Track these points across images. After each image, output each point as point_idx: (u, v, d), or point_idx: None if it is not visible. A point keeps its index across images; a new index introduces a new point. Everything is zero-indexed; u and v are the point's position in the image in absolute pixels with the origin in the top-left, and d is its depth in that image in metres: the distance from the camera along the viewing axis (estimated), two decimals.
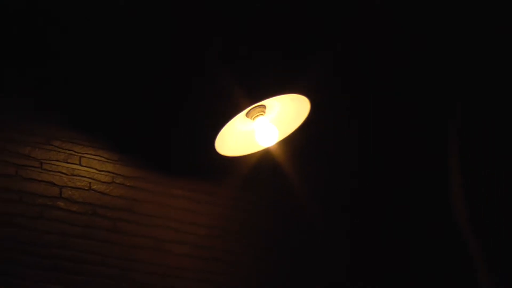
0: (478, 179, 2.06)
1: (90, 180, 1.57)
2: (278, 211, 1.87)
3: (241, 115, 1.54)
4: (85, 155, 1.58)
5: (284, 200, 1.91)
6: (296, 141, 1.76)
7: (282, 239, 1.81)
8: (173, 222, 1.64)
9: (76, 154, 1.58)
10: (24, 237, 1.53)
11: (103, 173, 1.59)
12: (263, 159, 1.72)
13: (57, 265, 1.61)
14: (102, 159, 1.60)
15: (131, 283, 1.55)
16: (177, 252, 1.61)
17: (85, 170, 1.58)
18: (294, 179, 1.85)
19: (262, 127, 1.56)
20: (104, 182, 1.59)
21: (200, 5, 1.63)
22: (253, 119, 1.54)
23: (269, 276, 1.74)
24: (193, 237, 1.64)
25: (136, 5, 1.59)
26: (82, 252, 1.55)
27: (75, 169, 1.57)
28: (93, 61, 1.73)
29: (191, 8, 1.65)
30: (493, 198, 2.05)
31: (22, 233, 1.59)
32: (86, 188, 1.57)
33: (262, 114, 1.52)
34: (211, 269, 1.62)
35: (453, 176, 2.08)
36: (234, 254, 1.70)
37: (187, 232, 1.63)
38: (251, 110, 1.54)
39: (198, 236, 1.65)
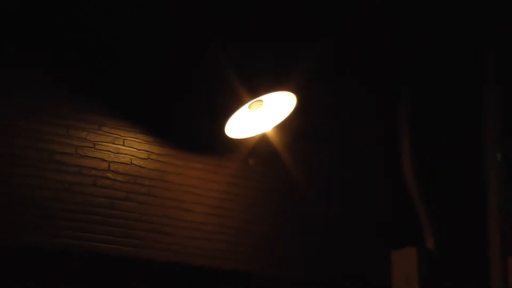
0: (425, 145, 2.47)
1: (131, 157, 2.03)
2: (279, 180, 2.32)
3: (244, 107, 1.96)
4: (128, 138, 2.02)
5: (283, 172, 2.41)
6: (288, 125, 2.23)
7: (284, 202, 2.26)
8: (194, 188, 2.10)
9: (120, 137, 2.01)
10: (81, 200, 1.98)
11: (141, 151, 2.04)
12: (261, 140, 2.12)
13: (106, 221, 2.08)
14: (141, 141, 2.04)
15: (162, 233, 2.03)
16: (197, 210, 2.08)
17: (127, 149, 2.03)
18: (289, 159, 2.32)
19: (260, 116, 1.99)
20: (142, 158, 2.04)
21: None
22: (254, 109, 1.96)
23: (271, 230, 2.18)
24: (210, 200, 2.11)
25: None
26: (124, 211, 2.03)
27: (120, 148, 2.01)
28: (134, 58, 2.20)
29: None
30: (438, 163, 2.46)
31: (79, 197, 2.06)
32: (128, 163, 2.03)
33: (260, 106, 1.94)
34: (224, 223, 2.10)
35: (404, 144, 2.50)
36: (244, 212, 2.17)
37: (205, 196, 2.10)
38: (252, 103, 1.95)
39: (214, 199, 2.11)
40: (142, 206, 2.01)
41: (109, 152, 1.99)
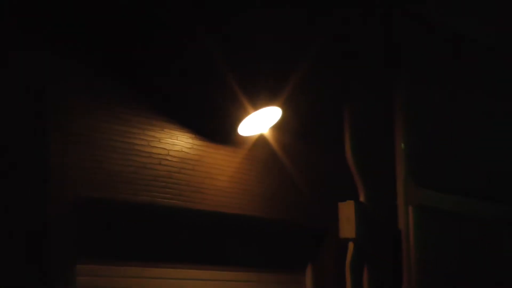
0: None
1: (181, 147, 3.04)
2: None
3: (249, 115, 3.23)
4: (179, 135, 3.05)
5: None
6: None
7: (279, 170, 3.49)
8: (220, 166, 3.20)
9: (175, 134, 3.02)
10: (152, 173, 2.94)
11: (187, 143, 3.07)
12: (260, 137, 3.37)
13: (167, 186, 3.06)
14: (187, 137, 3.08)
15: (200, 193, 3.09)
16: (222, 179, 3.19)
17: (179, 142, 3.04)
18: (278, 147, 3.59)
19: (259, 121, 3.23)
20: (187, 147, 3.04)
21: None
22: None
23: (272, 189, 3.42)
24: (230, 172, 3.23)
25: None
26: (178, 179, 2.98)
27: (174, 142, 3.00)
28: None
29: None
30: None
31: (151, 172, 2.95)
32: (179, 150, 3.04)
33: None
34: (241, 186, 3.27)
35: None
36: (253, 178, 3.32)
37: (227, 170, 3.21)
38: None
39: (233, 172, 3.24)
40: (188, 177, 3.10)
41: (168, 144, 3.03)
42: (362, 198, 3.63)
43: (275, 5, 3.46)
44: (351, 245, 3.58)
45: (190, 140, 3.16)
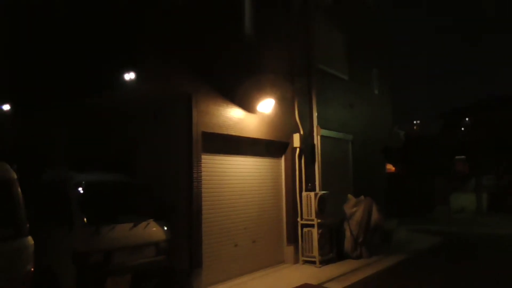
0: None
1: (240, 114, 8.13)
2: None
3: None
4: (235, 108, 8.07)
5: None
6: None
7: (282, 120, 9.04)
8: (254, 124, 8.19)
9: (235, 108, 8.23)
10: (230, 124, 8.42)
11: (238, 112, 8.02)
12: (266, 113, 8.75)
13: (233, 127, 8.53)
14: (237, 109, 8.02)
15: (244, 134, 8.68)
16: (251, 128, 8.36)
17: (236, 111, 7.98)
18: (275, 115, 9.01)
19: (267, 105, 8.56)
20: (240, 118, 8.04)
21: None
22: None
23: (280, 131, 8.95)
24: (259, 127, 8.27)
25: None
26: (236, 126, 8.55)
27: (234, 110, 8.28)
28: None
29: None
30: None
31: (229, 122, 8.43)
32: (237, 116, 8.19)
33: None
34: (266, 130, 8.69)
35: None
36: (271, 127, 8.53)
37: (258, 125, 8.26)
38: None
39: (260, 126, 8.27)
40: (238, 125, 8.31)
41: (233, 112, 8.12)
42: (301, 132, 9.27)
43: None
44: (298, 149, 9.23)
45: (241, 111, 8.38)
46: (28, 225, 4.26)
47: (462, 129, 26.10)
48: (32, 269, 4.19)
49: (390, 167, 18.49)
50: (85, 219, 5.55)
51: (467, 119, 26.05)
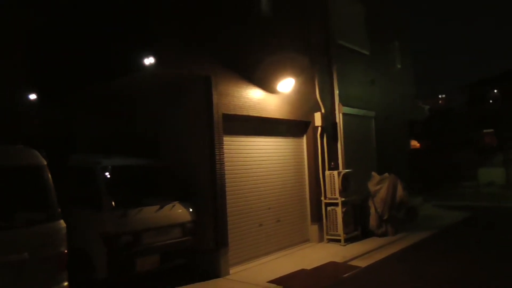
0: None
1: (261, 95, 8.07)
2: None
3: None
4: (255, 89, 8.06)
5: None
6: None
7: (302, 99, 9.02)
8: (271, 101, 8.17)
9: (254, 88, 8.32)
10: (249, 103, 8.45)
11: (258, 92, 7.98)
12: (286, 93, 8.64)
13: (254, 107, 8.53)
14: (257, 89, 7.99)
15: (266, 113, 8.62)
16: (272, 107, 8.43)
17: (256, 91, 7.96)
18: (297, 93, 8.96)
19: (287, 84, 8.46)
20: (260, 98, 8.07)
21: None
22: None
23: (301, 110, 8.92)
24: (282, 105, 8.25)
25: None
26: (258, 105, 8.61)
27: (255, 90, 8.33)
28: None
29: None
30: None
31: (249, 102, 8.46)
32: (258, 96, 8.19)
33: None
34: (287, 109, 8.63)
35: None
36: (292, 106, 8.49)
37: (279, 104, 8.23)
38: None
39: (282, 105, 8.25)
40: (259, 104, 8.35)
41: (253, 92, 8.12)
42: (322, 111, 9.20)
43: None
44: (320, 128, 9.18)
45: (261, 91, 8.21)
46: (59, 209, 4.43)
47: (490, 101, 25.31)
48: (66, 251, 4.37)
49: (414, 143, 18.21)
50: (113, 203, 5.73)
51: (495, 90, 25.21)
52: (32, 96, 8.85)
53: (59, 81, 8.35)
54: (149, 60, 6.44)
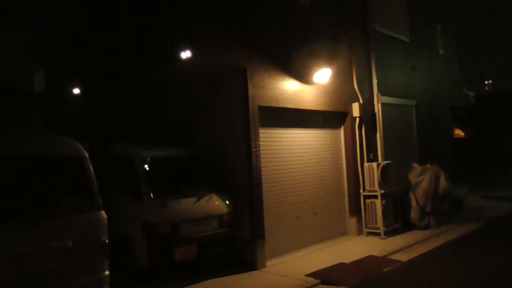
0: None
1: (296, 86, 8.06)
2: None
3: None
4: (291, 80, 7.87)
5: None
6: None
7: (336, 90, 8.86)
8: (308, 93, 8.03)
9: (289, 80, 8.19)
10: (285, 96, 8.37)
11: (294, 83, 7.85)
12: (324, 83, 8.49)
13: (289, 99, 8.50)
14: (294, 80, 7.84)
15: (303, 104, 8.54)
16: (309, 98, 8.34)
17: (292, 82, 7.80)
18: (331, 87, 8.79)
19: (323, 75, 8.29)
20: (295, 90, 7.86)
21: None
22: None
23: (334, 101, 8.82)
24: (318, 97, 8.11)
25: None
26: (294, 96, 8.48)
27: (291, 81, 8.24)
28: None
29: None
30: None
31: (285, 95, 8.40)
32: (294, 87, 8.07)
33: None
34: (322, 100, 8.41)
35: None
36: (326, 97, 8.36)
37: (315, 95, 8.09)
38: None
39: (318, 96, 8.10)
40: (295, 96, 8.24)
41: (289, 84, 7.92)
42: (361, 101, 8.96)
43: None
44: (358, 119, 8.95)
45: (296, 83, 8.07)
46: (100, 200, 4.58)
47: None
48: (107, 241, 4.53)
49: (458, 132, 17.42)
50: (151, 194, 5.88)
51: None
52: (76, 88, 9.24)
53: (101, 73, 8.66)
54: (186, 51, 6.52)
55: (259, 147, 7.02)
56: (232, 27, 7.01)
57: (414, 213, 9.26)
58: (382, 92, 9.47)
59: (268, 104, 7.33)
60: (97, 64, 8.77)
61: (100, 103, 9.48)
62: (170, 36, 7.05)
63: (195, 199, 6.22)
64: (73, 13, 9.50)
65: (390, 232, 8.70)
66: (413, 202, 9.27)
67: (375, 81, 9.32)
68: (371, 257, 7.20)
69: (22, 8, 11.13)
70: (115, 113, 9.38)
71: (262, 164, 7.10)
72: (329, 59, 8.36)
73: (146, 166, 6.24)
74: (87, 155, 4.61)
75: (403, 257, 7.20)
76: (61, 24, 9.95)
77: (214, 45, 6.83)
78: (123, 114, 9.22)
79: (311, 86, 8.21)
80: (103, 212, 4.56)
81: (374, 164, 8.75)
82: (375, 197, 8.68)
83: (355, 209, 8.91)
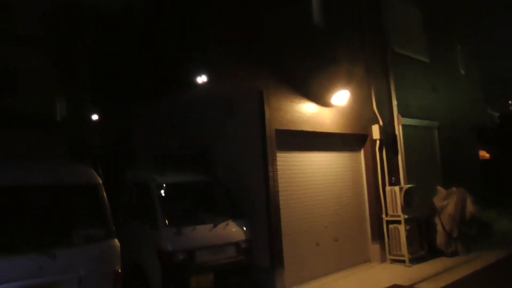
0: None
1: (312, 108, 7.74)
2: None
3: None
4: (308, 103, 7.87)
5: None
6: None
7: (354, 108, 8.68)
8: (326, 115, 7.89)
9: (307, 102, 8.08)
10: (304, 118, 8.30)
11: (311, 106, 7.71)
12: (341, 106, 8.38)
13: (307, 121, 8.36)
14: (310, 103, 7.73)
15: (321, 127, 8.41)
16: (327, 121, 8.18)
17: (309, 105, 7.70)
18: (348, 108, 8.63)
19: (341, 97, 8.14)
20: (311, 108, 7.70)
21: None
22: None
23: (356, 123, 8.64)
24: (336, 118, 7.97)
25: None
26: (312, 119, 8.34)
27: (308, 104, 8.05)
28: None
29: None
30: None
31: (303, 117, 8.29)
32: (311, 110, 7.96)
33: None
34: (342, 122, 8.31)
35: None
36: (345, 119, 8.21)
37: (333, 116, 7.95)
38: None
39: (336, 118, 7.96)
40: (315, 120, 8.14)
41: (307, 107, 7.94)
42: (380, 123, 8.75)
43: None
44: (378, 141, 8.73)
45: (314, 105, 7.89)
46: (113, 228, 4.49)
47: None
48: (120, 270, 4.40)
49: (483, 154, 16.85)
50: (167, 221, 5.76)
51: None
52: (95, 114, 9.35)
53: (119, 98, 8.75)
54: (203, 76, 6.52)
55: (276, 171, 6.87)
56: (248, 50, 6.99)
57: (440, 239, 8.83)
58: (402, 113, 9.24)
59: (286, 127, 7.20)
60: (115, 90, 8.89)
61: (119, 129, 9.55)
62: (187, 61, 7.08)
63: (211, 225, 6.07)
64: (92, 40, 9.72)
65: (415, 259, 8.30)
66: (439, 227, 8.86)
67: (395, 102, 9.11)
68: (395, 287, 6.83)
69: (43, 36, 11.43)
70: (133, 138, 9.42)
71: (280, 189, 6.93)
72: (347, 81, 8.24)
73: (161, 192, 6.15)
74: (100, 182, 4.55)
75: (431, 286, 6.82)
76: (80, 50, 10.16)
77: (230, 68, 6.82)
78: (141, 140, 9.25)
79: (329, 109, 8.07)
80: (116, 241, 4.46)
81: (397, 188, 8.44)
82: (399, 222, 8.33)
83: (378, 235, 8.56)
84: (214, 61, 6.66)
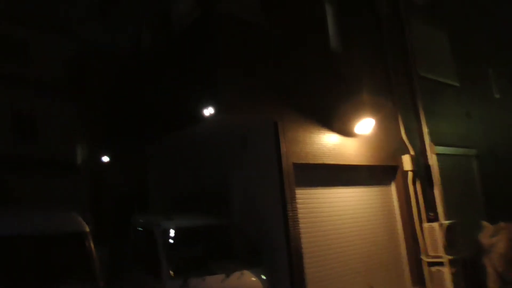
0: None
1: (337, 139, 7.19)
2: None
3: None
4: (331, 134, 7.11)
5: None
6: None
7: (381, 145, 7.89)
8: (349, 146, 7.18)
9: (329, 133, 7.25)
10: (325, 152, 7.61)
11: (333, 137, 7.01)
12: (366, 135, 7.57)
13: (330, 154, 7.60)
14: (333, 134, 7.06)
15: (344, 160, 7.64)
16: (351, 152, 7.24)
17: (331, 136, 7.02)
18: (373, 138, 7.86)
19: (366, 126, 7.43)
20: (333, 139, 7.03)
21: None
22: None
23: (387, 154, 7.85)
24: (361, 149, 7.23)
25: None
26: (335, 152, 7.47)
27: (330, 135, 7.40)
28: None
29: None
30: None
31: (323, 150, 7.60)
32: (333, 141, 7.18)
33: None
34: (368, 154, 7.42)
35: None
36: (371, 150, 7.46)
37: (358, 147, 7.22)
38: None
39: (361, 149, 7.23)
40: (338, 152, 7.35)
41: (327, 138, 7.11)
42: (411, 153, 7.89)
43: None
44: (410, 173, 7.84)
45: (336, 135, 7.15)
46: (102, 282, 3.82)
47: None
48: None
49: None
50: (171, 273, 5.04)
51: None
52: (106, 156, 9.03)
53: (131, 140, 8.35)
54: (214, 109, 5.95)
55: (296, 210, 6.09)
56: (262, 80, 6.44)
57: (491, 282, 7.63)
58: (435, 141, 8.35)
59: (305, 161, 6.48)
60: (128, 130, 8.52)
61: (132, 170, 9.10)
62: (199, 96, 6.60)
63: (223, 276, 5.28)
64: (108, 81, 9.61)
65: None
66: (489, 269, 7.68)
67: (425, 130, 8.25)
68: None
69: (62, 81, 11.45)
70: (147, 179, 8.91)
71: (302, 230, 6.12)
72: (372, 109, 7.49)
73: (167, 238, 5.47)
74: (87, 230, 3.93)
75: None
76: (97, 93, 10.06)
77: (244, 99, 6.24)
78: (155, 180, 8.72)
79: (353, 139, 7.34)
80: None
81: (436, 224, 7.44)
82: (441, 264, 7.26)
83: (417, 279, 7.49)
84: (226, 92, 6.12)
